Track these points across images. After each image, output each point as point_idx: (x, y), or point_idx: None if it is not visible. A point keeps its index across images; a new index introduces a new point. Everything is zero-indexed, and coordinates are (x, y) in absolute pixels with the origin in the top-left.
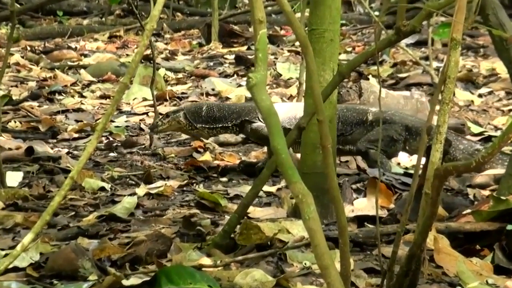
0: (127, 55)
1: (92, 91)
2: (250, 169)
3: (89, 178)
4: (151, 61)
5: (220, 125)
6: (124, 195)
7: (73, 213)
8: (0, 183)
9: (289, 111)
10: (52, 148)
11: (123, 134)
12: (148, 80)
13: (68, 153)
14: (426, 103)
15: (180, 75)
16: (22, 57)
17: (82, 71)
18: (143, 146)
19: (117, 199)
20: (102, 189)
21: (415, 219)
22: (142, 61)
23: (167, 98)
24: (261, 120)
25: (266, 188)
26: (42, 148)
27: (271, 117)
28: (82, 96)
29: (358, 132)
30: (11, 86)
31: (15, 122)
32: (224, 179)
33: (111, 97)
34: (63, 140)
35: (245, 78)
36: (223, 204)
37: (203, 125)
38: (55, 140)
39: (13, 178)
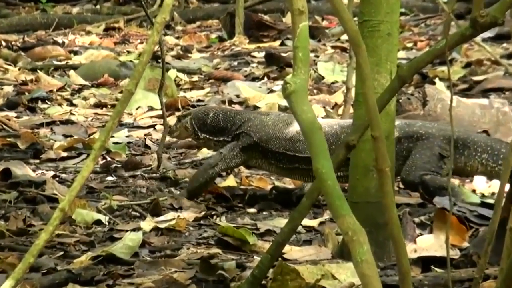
0: (128, 52)
1: (84, 98)
2: (285, 197)
3: (82, 208)
4: (159, 60)
5: (222, 138)
6: (126, 230)
7: (61, 252)
8: None
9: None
10: (34, 171)
11: (124, 152)
12: (155, 84)
13: (54, 176)
14: (510, 114)
15: (195, 78)
16: None
17: (71, 72)
18: (149, 167)
19: (117, 235)
20: (98, 222)
21: (496, 261)
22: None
23: (179, 106)
24: (249, 134)
25: (305, 221)
26: (21, 170)
27: (314, 134)
28: (71, 104)
29: None
30: None
31: None
32: (253, 210)
33: (108, 106)
34: (48, 160)
35: (277, 82)
36: (251, 241)
37: (208, 136)
38: (37, 161)
39: None
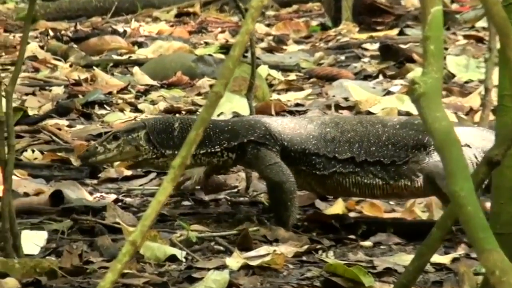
0: (207, 43)
1: (152, 102)
2: (409, 227)
3: (152, 241)
4: (246, 54)
5: (202, 151)
6: (208, 269)
7: None
8: (13, 250)
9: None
10: (91, 194)
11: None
12: (242, 84)
13: (116, 201)
14: None
15: (292, 76)
16: (42, 47)
17: (135, 69)
18: (236, 190)
19: (196, 274)
20: (172, 258)
21: None
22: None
23: (273, 112)
24: (274, 136)
25: (435, 258)
26: (75, 193)
27: (450, 147)
28: (136, 109)
29: (417, 160)
30: (26, 94)
31: (33, 151)
32: (368, 243)
33: (183, 112)
34: (108, 180)
35: (395, 81)
36: (366, 283)
37: (176, 151)
38: (95, 181)
39: (33, 240)
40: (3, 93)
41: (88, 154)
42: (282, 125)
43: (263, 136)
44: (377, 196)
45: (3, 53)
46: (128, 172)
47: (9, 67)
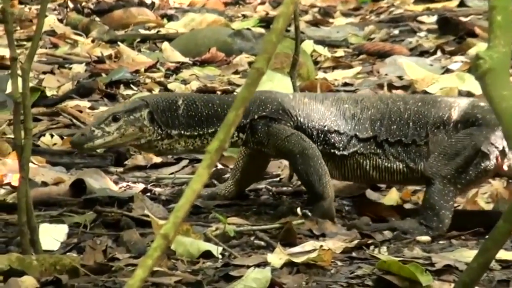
0: (244, 16)
1: (184, 81)
2: (471, 218)
3: (184, 235)
4: (288, 28)
5: (210, 130)
6: (248, 266)
7: None
8: (30, 245)
9: None
10: (116, 183)
11: None
12: (285, 61)
13: (145, 191)
14: None
15: (340, 53)
16: (61, 20)
17: (165, 45)
18: (278, 179)
19: (234, 272)
20: (208, 255)
21: None
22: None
23: (318, 91)
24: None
25: (501, 254)
26: (99, 182)
27: None
28: (166, 89)
29: (438, 140)
30: (43, 73)
31: (51, 136)
32: (425, 238)
33: (218, 92)
34: (136, 168)
35: (455, 58)
36: (424, 282)
37: (182, 131)
38: (121, 169)
39: (52, 235)
40: (19, 72)
41: (84, 139)
42: (295, 100)
43: (275, 111)
44: (396, 181)
45: (18, 27)
46: (158, 159)
47: (24, 42)
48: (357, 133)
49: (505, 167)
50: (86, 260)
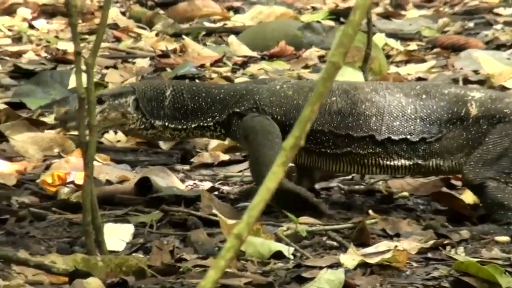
0: (314, 8)
1: (252, 76)
2: None
3: (254, 235)
4: None
5: (194, 124)
6: (320, 267)
7: None
8: (95, 246)
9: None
10: (183, 181)
11: None
12: (356, 55)
13: (212, 189)
14: None
15: (413, 46)
16: (124, 13)
17: (231, 38)
18: (350, 176)
19: (306, 274)
20: (279, 255)
21: None
22: (343, 20)
23: None
24: (263, 110)
25: None
26: (165, 180)
27: None
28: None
29: (453, 137)
30: (106, 68)
31: (115, 132)
32: (504, 238)
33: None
34: (203, 166)
35: None
36: (504, 284)
37: (166, 123)
38: (187, 167)
39: (118, 235)
40: (83, 66)
41: (67, 117)
42: (277, 94)
43: (250, 109)
44: (402, 175)
45: (80, 21)
46: (225, 157)
47: (86, 36)
48: (350, 132)
49: None
50: (152, 261)
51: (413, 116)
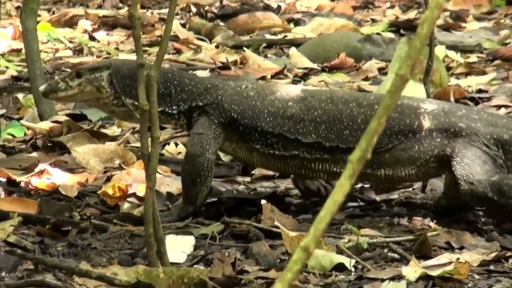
0: (373, 21)
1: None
2: None
3: (316, 247)
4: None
5: (161, 108)
6: (382, 279)
7: None
8: (157, 257)
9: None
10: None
11: None
12: (417, 67)
13: (273, 201)
14: None
15: (473, 58)
16: (183, 25)
17: (292, 50)
18: (411, 188)
19: (367, 286)
20: (340, 267)
21: None
22: (403, 31)
23: (451, 98)
24: (223, 106)
25: None
26: (225, 192)
27: None
28: None
29: (404, 148)
30: None
31: (176, 144)
32: None
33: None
34: (263, 177)
35: None
36: None
37: (136, 102)
38: (248, 178)
39: (179, 247)
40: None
41: (50, 89)
42: (240, 93)
43: (210, 104)
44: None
45: (140, 32)
46: None
47: (147, 48)
48: (299, 137)
49: None
50: (214, 272)
51: (363, 126)
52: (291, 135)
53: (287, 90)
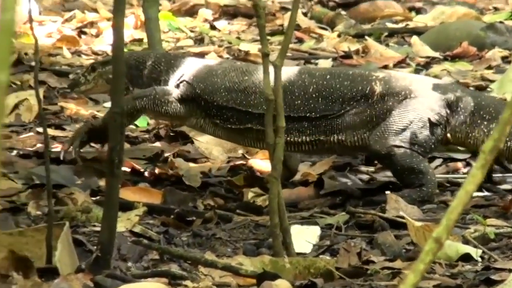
0: (496, 9)
1: (435, 76)
2: None
3: None
4: None
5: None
6: (509, 270)
7: None
8: (283, 248)
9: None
10: (367, 183)
11: None
12: None
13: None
14: None
15: None
16: (305, 14)
17: (414, 39)
18: None
19: (495, 276)
20: (467, 258)
21: None
22: None
23: None
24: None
25: None
26: (350, 181)
27: None
28: None
29: (356, 113)
30: None
31: None
32: None
33: (470, 87)
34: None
35: None
36: None
37: (141, 91)
38: (372, 168)
39: (305, 237)
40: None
41: (73, 83)
42: (203, 70)
43: (178, 83)
44: (305, 152)
45: None
46: None
47: (268, 37)
48: (250, 109)
49: (448, 135)
50: (340, 263)
51: (314, 95)
52: (243, 108)
53: (250, 67)
